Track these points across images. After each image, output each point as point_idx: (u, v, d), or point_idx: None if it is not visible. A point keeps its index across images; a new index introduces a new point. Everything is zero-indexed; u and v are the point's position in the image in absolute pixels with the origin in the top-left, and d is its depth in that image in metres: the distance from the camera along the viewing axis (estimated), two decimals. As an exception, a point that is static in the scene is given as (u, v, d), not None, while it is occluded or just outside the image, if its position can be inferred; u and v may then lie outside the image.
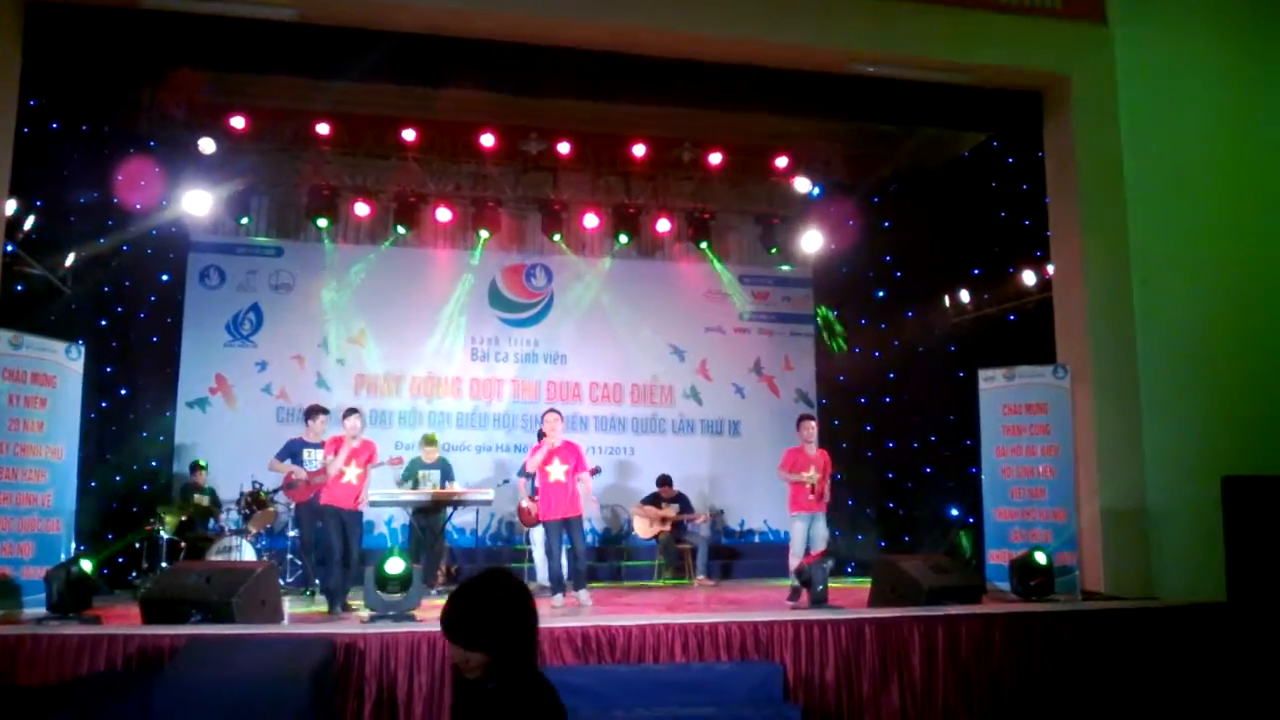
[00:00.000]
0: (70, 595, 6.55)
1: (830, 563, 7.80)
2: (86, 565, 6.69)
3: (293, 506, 10.17)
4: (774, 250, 13.24)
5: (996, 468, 8.97)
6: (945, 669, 6.72)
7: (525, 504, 10.40)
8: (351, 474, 8.38)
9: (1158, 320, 8.59)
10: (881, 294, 12.95)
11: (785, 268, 13.69)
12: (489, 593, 2.64)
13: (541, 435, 9.82)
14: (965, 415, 9.80)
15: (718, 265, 13.52)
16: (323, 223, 12.15)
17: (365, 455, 8.48)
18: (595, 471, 11.08)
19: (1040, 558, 7.97)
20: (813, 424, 9.56)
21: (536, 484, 9.22)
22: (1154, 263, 8.64)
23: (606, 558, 12.16)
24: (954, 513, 11.25)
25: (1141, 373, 8.54)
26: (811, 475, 9.17)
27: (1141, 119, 8.91)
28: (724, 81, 9.00)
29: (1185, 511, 8.23)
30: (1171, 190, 8.77)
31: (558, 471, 8.66)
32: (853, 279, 13.25)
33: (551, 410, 9.05)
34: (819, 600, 7.46)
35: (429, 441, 10.57)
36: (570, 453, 8.80)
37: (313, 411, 9.89)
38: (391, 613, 6.78)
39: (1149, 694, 6.96)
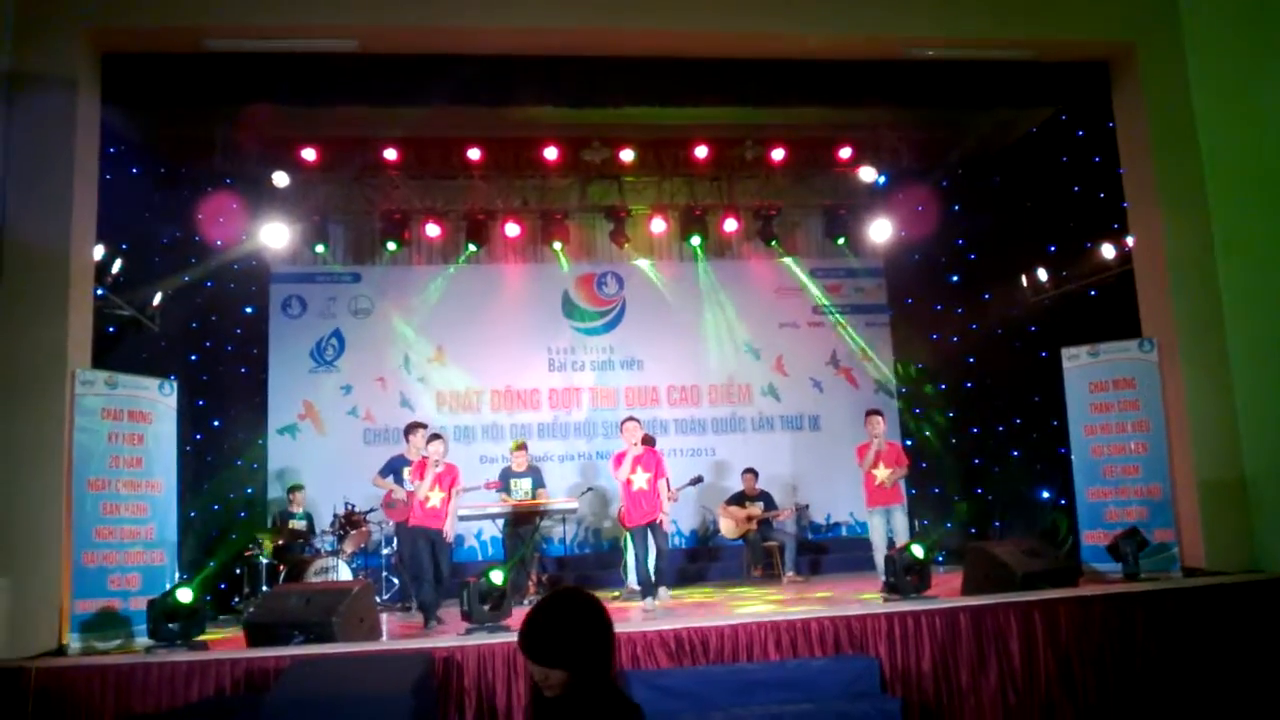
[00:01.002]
0: (173, 623, 6.72)
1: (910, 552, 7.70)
2: (183, 595, 6.79)
3: (389, 524, 10.44)
4: (839, 241, 13.12)
5: (1086, 447, 8.80)
6: (1045, 654, 6.61)
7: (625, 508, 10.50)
8: (436, 498, 8.61)
9: (1244, 285, 8.32)
10: (956, 278, 12.77)
11: (854, 259, 13.56)
12: (566, 611, 2.67)
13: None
14: (1050, 395, 9.63)
15: (788, 260, 13.47)
16: (392, 246, 12.38)
17: (449, 480, 8.72)
18: (698, 481, 11.19)
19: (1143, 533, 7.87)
20: (877, 419, 9.54)
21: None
22: (1236, 227, 8.38)
23: (695, 559, 12.17)
24: (1044, 495, 11.04)
25: (1230, 340, 8.29)
26: (880, 470, 9.18)
27: (1213, 81, 8.63)
28: (784, 77, 8.97)
29: (1287, 479, 7.99)
30: (1250, 152, 8.48)
31: (640, 480, 8.76)
32: (926, 265, 13.06)
33: (630, 419, 9.13)
34: (905, 590, 7.39)
35: (518, 447, 10.70)
36: (651, 459, 8.90)
37: (411, 428, 10.15)
38: (487, 624, 6.88)
39: (1259, 668, 6.77)
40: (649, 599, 8.65)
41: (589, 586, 11.08)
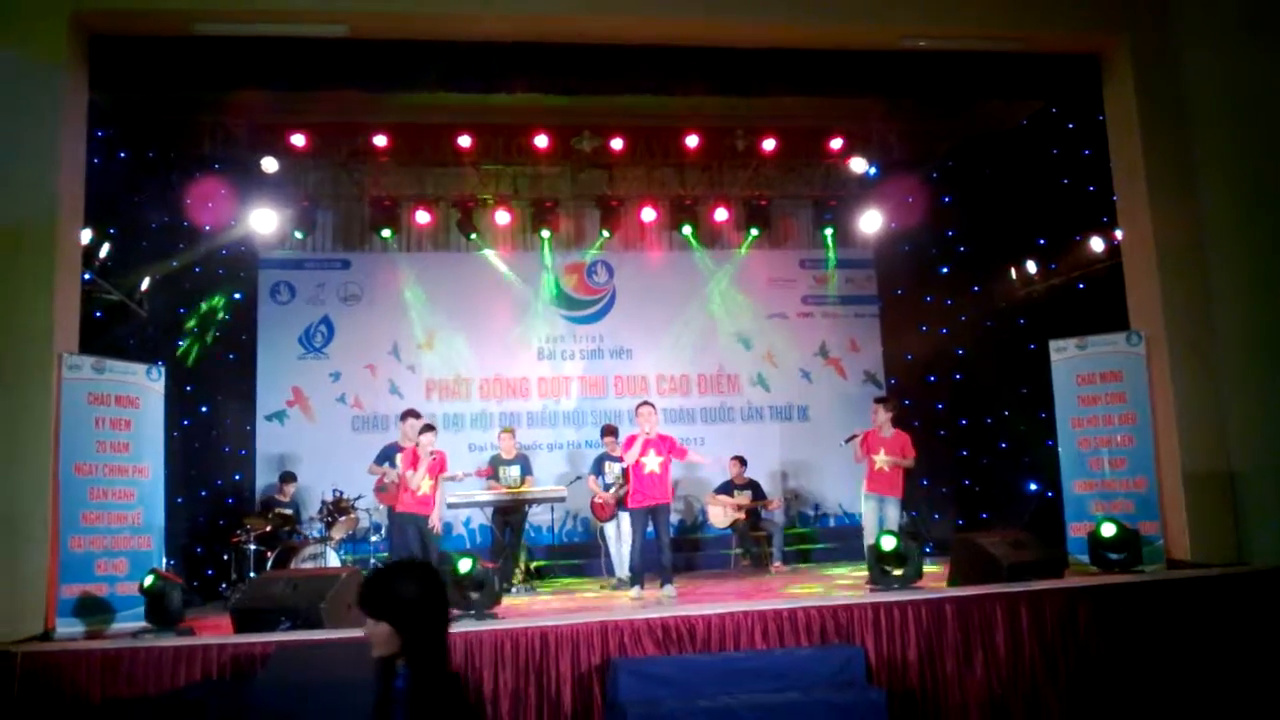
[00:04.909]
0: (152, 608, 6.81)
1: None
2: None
3: (378, 511, 10.48)
4: (827, 231, 13.11)
5: (1073, 439, 8.82)
6: (1030, 645, 6.63)
7: (598, 499, 10.49)
8: (426, 486, 8.72)
9: (1232, 279, 8.34)
10: (945, 270, 12.78)
11: (845, 250, 13.56)
12: (401, 571, 2.86)
13: (605, 431, 9.94)
14: (1039, 388, 9.63)
15: (778, 250, 13.46)
16: (385, 233, 12.33)
17: (439, 468, 8.87)
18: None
19: (1108, 529, 7.81)
20: (877, 407, 9.64)
21: (624, 475, 9.29)
22: (1224, 221, 8.39)
23: (683, 548, 12.19)
24: (1032, 487, 11.07)
25: (1218, 334, 8.32)
26: (881, 458, 9.23)
27: (1204, 75, 8.62)
28: (776, 66, 8.96)
29: (1272, 472, 8.00)
30: (1239, 146, 8.48)
31: (652, 463, 8.73)
32: (915, 257, 13.08)
33: (645, 403, 9.09)
34: (887, 582, 7.40)
35: (506, 432, 10.73)
36: (664, 444, 8.86)
37: (404, 416, 10.15)
38: (472, 612, 6.88)
39: (1243, 660, 6.81)
40: (636, 588, 8.64)
41: (576, 575, 11.18)
